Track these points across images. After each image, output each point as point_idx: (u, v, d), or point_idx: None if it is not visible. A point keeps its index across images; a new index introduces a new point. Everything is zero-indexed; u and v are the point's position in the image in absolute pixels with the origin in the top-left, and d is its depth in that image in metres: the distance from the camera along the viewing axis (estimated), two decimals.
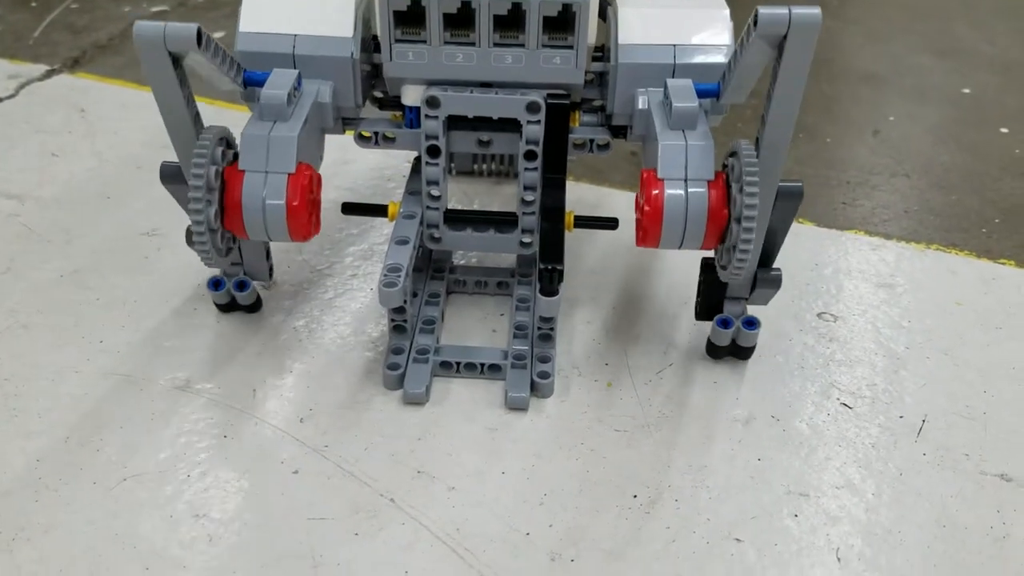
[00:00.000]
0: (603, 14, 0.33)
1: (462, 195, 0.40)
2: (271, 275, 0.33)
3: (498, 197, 0.40)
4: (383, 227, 0.38)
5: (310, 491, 0.27)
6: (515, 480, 0.27)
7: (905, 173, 0.44)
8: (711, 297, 0.31)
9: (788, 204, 0.29)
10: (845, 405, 0.30)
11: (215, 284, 0.31)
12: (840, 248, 0.38)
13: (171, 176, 0.29)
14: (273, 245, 0.34)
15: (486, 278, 0.35)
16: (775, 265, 0.30)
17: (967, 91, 0.52)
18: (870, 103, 0.50)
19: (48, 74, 0.54)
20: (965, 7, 0.64)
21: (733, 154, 0.27)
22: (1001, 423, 0.30)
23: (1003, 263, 0.37)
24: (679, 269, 0.36)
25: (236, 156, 0.28)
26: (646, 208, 0.27)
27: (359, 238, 0.38)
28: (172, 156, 0.29)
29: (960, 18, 0.62)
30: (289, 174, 0.27)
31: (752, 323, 0.31)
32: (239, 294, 0.32)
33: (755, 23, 0.25)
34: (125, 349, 0.32)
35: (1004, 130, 0.48)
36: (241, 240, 0.30)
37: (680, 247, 0.27)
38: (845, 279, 0.36)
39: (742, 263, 0.26)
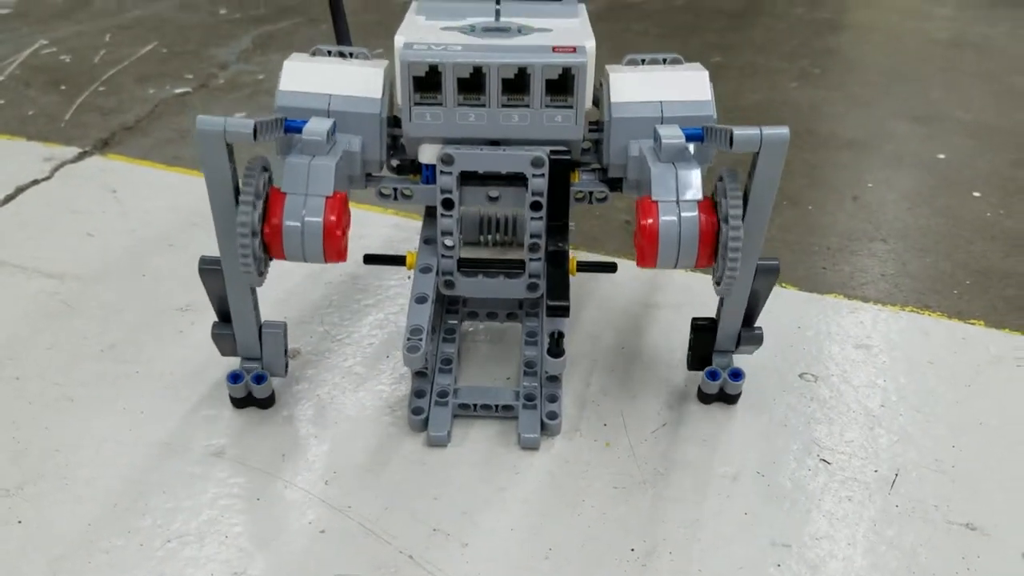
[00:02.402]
0: (596, 97, 0.37)
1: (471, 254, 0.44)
2: (286, 371, 0.35)
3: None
4: (397, 298, 0.41)
5: (336, 549, 0.29)
6: (523, 536, 0.30)
7: (882, 238, 0.47)
8: (700, 350, 0.34)
9: (767, 278, 0.32)
10: (824, 461, 0.33)
11: (234, 377, 0.34)
12: (821, 311, 0.41)
13: (206, 270, 0.32)
14: (294, 320, 0.37)
15: (497, 310, 0.38)
16: (757, 324, 0.34)
17: (942, 156, 0.55)
18: (851, 169, 0.54)
19: (80, 156, 0.57)
20: (942, 71, 0.68)
21: (720, 178, 0.30)
22: (968, 475, 0.32)
23: (973, 323, 0.40)
24: (674, 327, 0.39)
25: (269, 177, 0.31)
26: (643, 229, 0.30)
27: (375, 308, 0.41)
28: (202, 234, 0.32)
29: (937, 82, 0.66)
30: (327, 197, 0.30)
31: (737, 375, 0.34)
32: (256, 387, 0.34)
33: (731, 143, 0.28)
34: (163, 419, 0.34)
35: (976, 194, 0.51)
36: (264, 335, 0.33)
37: (676, 266, 0.30)
38: (825, 341, 0.39)
39: (733, 268, 0.30)
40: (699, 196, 0.30)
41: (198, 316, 0.40)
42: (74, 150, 0.58)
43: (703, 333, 0.34)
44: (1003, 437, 0.34)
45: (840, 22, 0.76)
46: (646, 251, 0.30)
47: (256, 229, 0.30)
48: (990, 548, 0.29)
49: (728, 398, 0.35)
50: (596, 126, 0.34)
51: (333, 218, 0.30)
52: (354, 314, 0.40)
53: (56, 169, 0.56)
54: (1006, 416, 0.35)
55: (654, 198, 0.30)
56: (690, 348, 0.35)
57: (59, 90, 0.66)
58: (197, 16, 0.80)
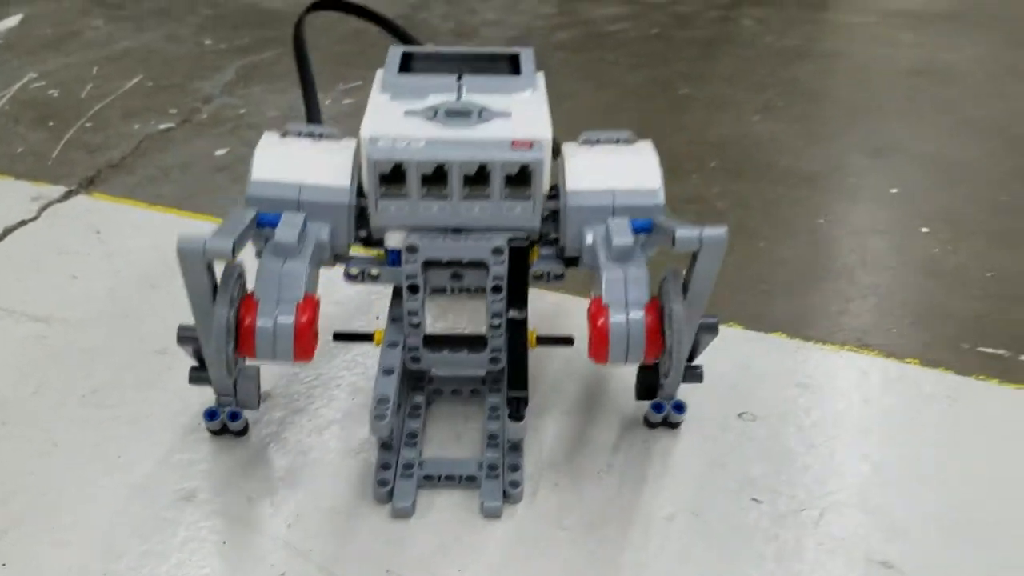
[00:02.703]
0: (556, 151, 0.39)
1: (437, 309, 0.46)
2: (259, 404, 0.38)
3: (467, 311, 0.45)
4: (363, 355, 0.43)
5: None
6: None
7: (830, 275, 0.49)
8: (646, 381, 0.37)
9: (707, 334, 0.35)
10: (755, 500, 0.35)
11: (211, 415, 0.36)
12: (765, 350, 0.43)
13: (186, 338, 0.35)
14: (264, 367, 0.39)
15: (460, 387, 0.40)
16: (698, 363, 0.37)
17: (895, 191, 0.58)
18: (806, 204, 0.56)
19: (67, 195, 0.59)
20: (903, 101, 0.70)
21: (664, 279, 0.32)
22: (889, 513, 0.34)
23: (909, 362, 0.42)
24: (616, 373, 0.41)
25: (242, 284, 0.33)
26: (595, 330, 0.32)
27: (343, 349, 0.43)
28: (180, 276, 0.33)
29: (897, 114, 0.68)
30: (298, 301, 0.32)
31: (680, 408, 0.38)
32: (231, 423, 0.37)
33: (673, 243, 0.31)
34: (141, 462, 0.37)
35: (924, 229, 0.53)
36: (239, 380, 0.35)
37: (626, 362, 0.33)
38: (766, 380, 0.41)
39: (678, 367, 0.33)
40: (646, 298, 0.33)
41: (175, 360, 0.42)
42: (60, 189, 0.60)
43: (649, 368, 0.36)
44: (931, 477, 0.36)
45: (808, 50, 0.79)
46: (597, 350, 0.32)
47: (226, 331, 0.32)
48: None
49: (672, 425, 0.38)
50: (555, 191, 0.36)
51: (304, 321, 0.32)
52: (323, 355, 0.42)
53: (43, 209, 0.58)
54: (935, 456, 0.37)
55: (605, 301, 0.32)
56: (637, 380, 0.37)
57: (47, 126, 0.68)
58: (183, 47, 0.82)
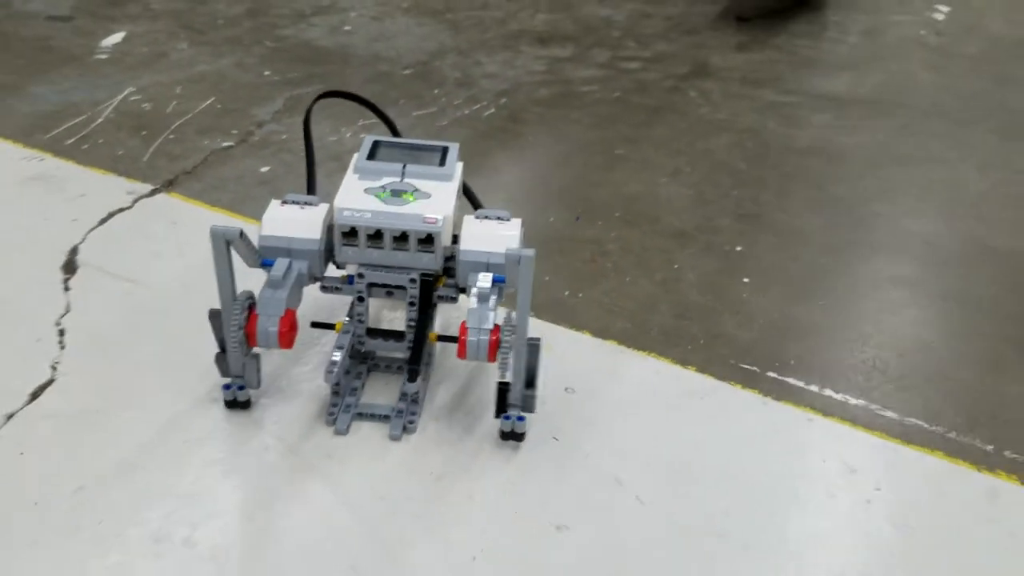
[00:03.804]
0: (477, 205, 0.61)
1: (383, 311, 0.68)
2: (259, 384, 0.58)
3: (397, 317, 0.67)
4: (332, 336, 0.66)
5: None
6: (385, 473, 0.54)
7: (664, 303, 0.70)
8: (501, 402, 0.56)
9: (533, 351, 0.55)
10: (555, 439, 0.57)
11: (227, 387, 0.57)
12: (595, 352, 0.65)
13: (214, 318, 0.56)
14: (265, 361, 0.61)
15: (390, 363, 0.62)
16: (534, 391, 0.56)
17: (739, 248, 0.78)
18: (671, 254, 0.77)
19: (152, 192, 0.83)
20: (782, 176, 0.90)
21: (506, 317, 0.54)
22: (658, 505, 0.56)
23: (663, 360, 0.64)
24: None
25: (253, 301, 0.55)
26: (460, 342, 0.52)
27: (319, 332, 0.65)
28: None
29: (772, 185, 0.88)
30: (280, 317, 0.53)
31: (521, 419, 0.55)
32: (239, 393, 0.57)
33: (491, 291, 0.52)
34: (183, 379, 0.60)
35: (745, 279, 0.74)
36: (246, 363, 0.56)
37: (477, 360, 0.53)
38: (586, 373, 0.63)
39: (506, 367, 0.53)
40: (491, 325, 0.52)
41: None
42: (148, 187, 0.83)
43: (503, 391, 0.56)
44: (683, 466, 0.58)
45: (730, 124, 0.98)
46: (461, 353, 0.53)
47: (240, 327, 0.53)
48: None
49: (518, 436, 0.56)
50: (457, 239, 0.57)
51: (284, 331, 0.53)
52: (305, 336, 0.64)
53: (135, 201, 0.81)
54: (677, 440, 0.59)
55: (468, 325, 0.52)
56: (496, 401, 0.56)
57: (141, 135, 0.91)
58: (248, 76, 1.05)
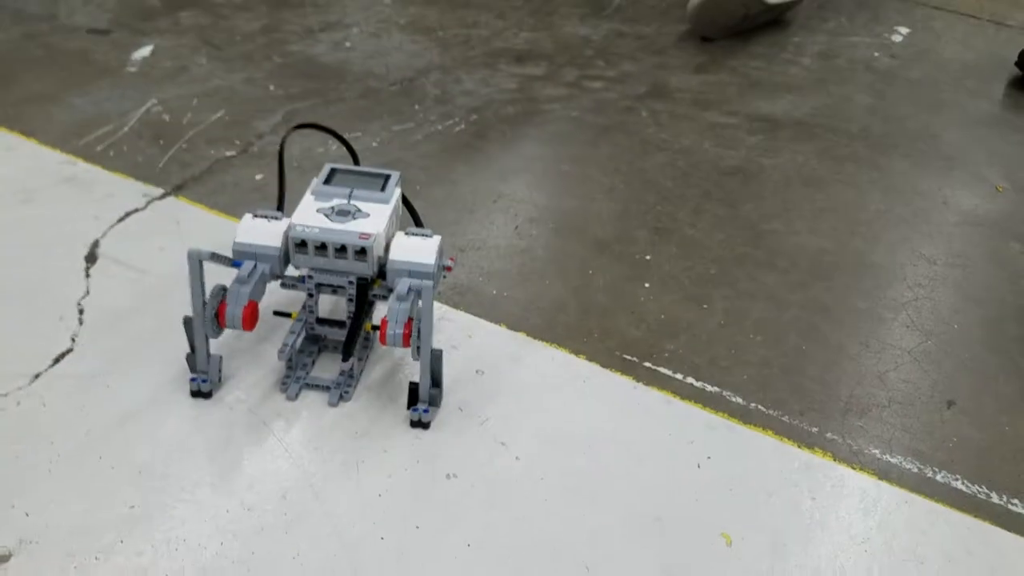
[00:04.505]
0: (419, 223, 0.76)
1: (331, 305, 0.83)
2: (220, 380, 0.72)
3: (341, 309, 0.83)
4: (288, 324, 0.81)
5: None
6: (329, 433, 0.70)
7: (563, 298, 0.84)
8: (412, 397, 0.70)
9: (437, 358, 0.69)
10: (459, 409, 0.72)
11: (192, 380, 0.69)
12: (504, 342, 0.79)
13: (187, 324, 0.72)
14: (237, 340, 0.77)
15: (336, 345, 0.77)
16: (438, 389, 0.70)
17: (648, 257, 0.92)
18: (589, 261, 0.91)
19: (163, 195, 0.99)
20: (701, 194, 1.03)
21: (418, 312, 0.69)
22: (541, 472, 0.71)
23: (559, 349, 0.78)
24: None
25: (224, 292, 0.70)
26: (380, 333, 0.67)
27: (279, 320, 0.81)
28: (212, 266, 0.71)
29: (689, 205, 1.01)
30: (244, 306, 0.69)
31: (427, 410, 0.67)
32: (203, 384, 0.71)
33: (408, 290, 0.67)
34: (172, 357, 0.76)
35: (647, 285, 0.88)
36: (210, 361, 0.68)
37: (394, 347, 0.69)
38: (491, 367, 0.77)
39: (420, 353, 0.68)
40: (405, 319, 0.66)
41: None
42: (160, 190, 0.99)
43: (413, 388, 0.69)
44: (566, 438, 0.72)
45: (669, 144, 1.11)
46: (382, 341, 0.66)
47: (212, 315, 0.69)
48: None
49: (424, 425, 0.68)
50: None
51: (246, 317, 0.67)
52: (267, 323, 0.80)
53: (149, 202, 0.97)
54: (556, 414, 0.73)
55: (387, 319, 0.67)
56: (408, 396, 0.70)
57: (158, 144, 1.07)
58: (255, 90, 1.21)
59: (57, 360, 0.75)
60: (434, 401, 0.71)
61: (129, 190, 0.98)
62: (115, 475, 0.66)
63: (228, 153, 1.06)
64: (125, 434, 0.69)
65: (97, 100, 1.16)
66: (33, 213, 0.93)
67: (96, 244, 0.89)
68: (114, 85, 1.20)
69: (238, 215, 0.94)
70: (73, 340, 0.77)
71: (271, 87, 1.22)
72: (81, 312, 0.80)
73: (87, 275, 0.85)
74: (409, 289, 0.67)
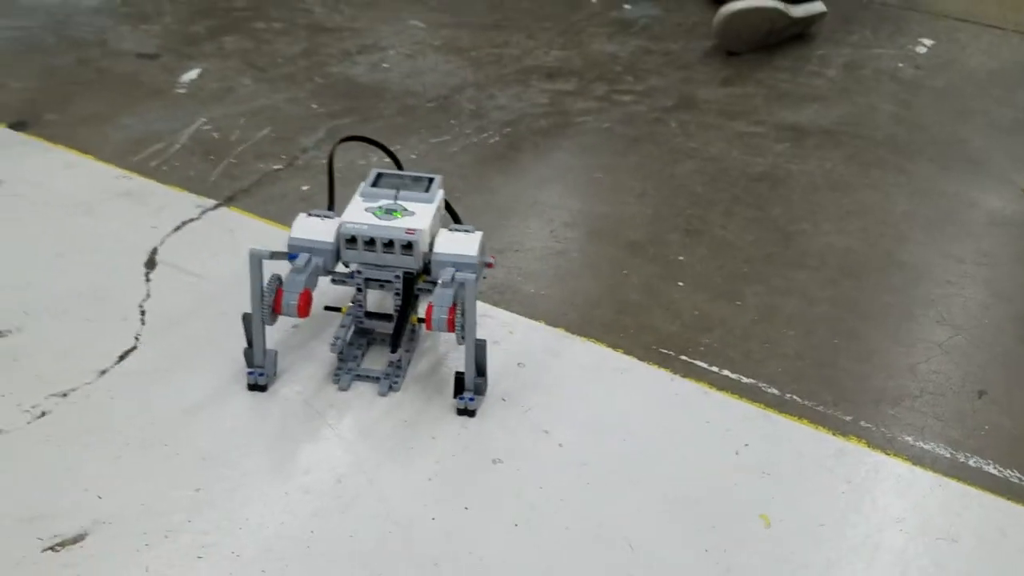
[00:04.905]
0: (456, 219, 0.80)
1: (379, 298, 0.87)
2: (275, 374, 0.76)
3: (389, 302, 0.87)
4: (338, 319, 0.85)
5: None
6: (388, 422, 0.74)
7: (595, 285, 0.88)
8: (458, 386, 0.74)
9: (481, 347, 0.73)
10: (497, 461, 0.75)
11: (250, 374, 0.73)
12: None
13: (246, 320, 0.76)
14: (280, 340, 0.81)
15: (385, 337, 0.81)
16: (483, 378, 0.74)
17: (682, 258, 0.95)
18: (623, 263, 0.94)
19: (216, 207, 1.03)
20: (734, 198, 1.06)
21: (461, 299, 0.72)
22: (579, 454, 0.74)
23: (595, 343, 0.81)
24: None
25: (280, 281, 0.75)
26: (427, 318, 0.71)
27: (331, 315, 0.84)
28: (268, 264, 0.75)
29: (720, 208, 1.04)
30: (299, 293, 0.74)
31: (473, 399, 0.70)
32: (260, 378, 0.75)
33: (452, 278, 0.71)
34: (231, 353, 0.80)
35: (680, 284, 0.91)
36: (267, 355, 0.75)
37: (439, 331, 0.72)
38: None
39: (461, 336, 0.72)
40: (450, 303, 0.71)
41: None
42: (212, 202, 1.04)
43: (459, 377, 0.72)
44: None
45: (698, 152, 1.15)
46: (428, 326, 0.71)
47: (269, 303, 0.73)
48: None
49: (470, 413, 0.71)
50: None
51: (301, 304, 0.71)
52: (320, 318, 0.84)
53: (202, 213, 1.02)
54: (596, 403, 0.76)
55: (432, 304, 0.71)
56: (454, 385, 0.74)
57: (209, 159, 1.12)
58: (298, 109, 1.26)
59: (122, 357, 0.79)
60: (479, 390, 0.74)
61: (183, 202, 1.02)
62: (180, 461, 0.70)
63: (275, 167, 1.11)
64: (188, 424, 0.73)
65: (148, 120, 1.21)
66: (94, 224, 0.98)
67: (155, 251, 0.93)
68: (164, 106, 1.25)
69: (287, 223, 0.98)
70: (136, 339, 0.81)
71: (313, 106, 1.27)
72: (143, 314, 0.85)
73: (147, 280, 0.89)
74: (453, 277, 0.69)
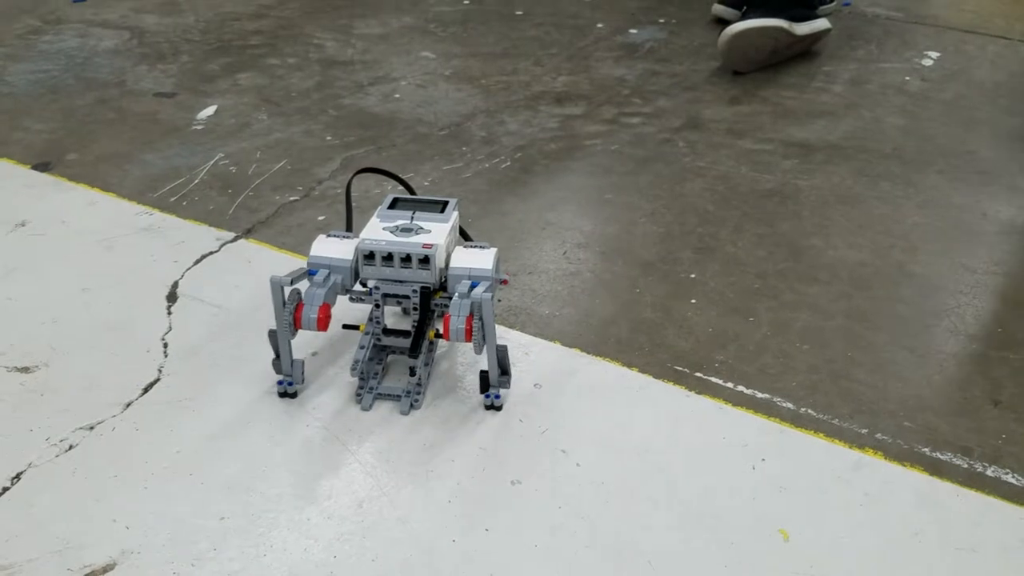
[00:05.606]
0: (466, 237, 0.82)
1: (396, 316, 0.89)
2: (303, 381, 0.79)
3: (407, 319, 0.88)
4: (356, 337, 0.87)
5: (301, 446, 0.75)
6: (405, 437, 0.75)
7: (612, 294, 0.89)
8: (483, 383, 0.76)
9: (502, 351, 0.75)
10: (520, 421, 0.76)
11: (280, 383, 0.78)
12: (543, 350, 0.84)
13: (272, 335, 0.78)
14: (310, 363, 0.83)
15: (402, 352, 0.83)
16: (507, 375, 0.76)
17: (693, 276, 0.96)
18: (636, 281, 0.95)
19: (235, 239, 1.06)
20: (743, 214, 1.07)
21: (478, 308, 0.74)
22: (605, 485, 0.74)
23: (611, 362, 0.82)
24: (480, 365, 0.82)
25: (300, 296, 0.76)
26: (444, 326, 0.73)
27: (349, 333, 0.86)
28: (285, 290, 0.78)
29: (729, 224, 1.05)
30: (319, 307, 0.75)
31: (498, 395, 0.77)
32: (289, 387, 0.78)
33: (468, 290, 0.72)
34: (258, 375, 0.81)
35: (693, 300, 0.92)
36: (294, 364, 0.78)
37: (456, 341, 0.74)
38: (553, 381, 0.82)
39: (479, 345, 0.73)
40: (467, 314, 0.73)
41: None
42: (231, 234, 1.06)
43: (484, 375, 0.77)
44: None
45: (706, 171, 1.16)
46: (446, 335, 0.73)
47: (291, 319, 0.75)
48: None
49: (497, 408, 0.74)
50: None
51: (321, 317, 0.74)
52: (336, 337, 0.86)
53: (222, 245, 1.04)
54: (612, 422, 0.77)
55: (450, 314, 0.73)
56: (480, 383, 0.77)
57: (227, 192, 1.15)
58: (313, 141, 1.29)
59: (146, 389, 0.81)
60: (503, 385, 0.76)
61: (203, 235, 1.05)
62: (205, 490, 0.71)
63: (292, 198, 1.13)
64: (212, 452, 0.74)
65: (167, 156, 1.24)
66: (117, 259, 1.00)
67: (176, 284, 0.95)
68: (182, 142, 1.28)
69: (304, 253, 1.00)
70: (160, 371, 0.83)
71: (328, 137, 1.29)
72: (166, 346, 0.86)
73: (169, 312, 0.91)
74: (470, 289, 0.71)
